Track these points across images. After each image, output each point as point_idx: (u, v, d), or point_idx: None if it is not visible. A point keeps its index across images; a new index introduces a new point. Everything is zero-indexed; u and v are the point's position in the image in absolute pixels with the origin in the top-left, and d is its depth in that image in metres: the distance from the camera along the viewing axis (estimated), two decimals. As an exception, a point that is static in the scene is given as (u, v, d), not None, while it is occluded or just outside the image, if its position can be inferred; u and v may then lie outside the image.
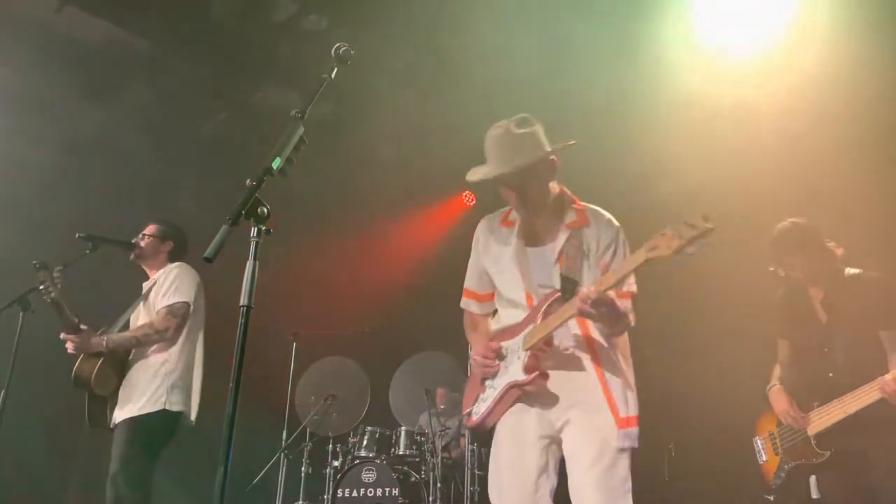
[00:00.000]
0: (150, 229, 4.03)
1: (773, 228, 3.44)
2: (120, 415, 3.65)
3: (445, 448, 5.64)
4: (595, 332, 2.51)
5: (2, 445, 3.51)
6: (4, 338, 3.69)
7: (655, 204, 5.74)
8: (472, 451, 5.44)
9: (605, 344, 2.51)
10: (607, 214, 2.60)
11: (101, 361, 3.64)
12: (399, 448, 5.60)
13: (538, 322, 2.44)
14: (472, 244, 2.77)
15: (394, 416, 6.28)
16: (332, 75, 2.18)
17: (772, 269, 3.48)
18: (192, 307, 3.82)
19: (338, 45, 2.19)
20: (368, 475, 5.28)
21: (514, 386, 2.46)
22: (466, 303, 2.82)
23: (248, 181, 1.85)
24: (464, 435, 5.85)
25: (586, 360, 2.49)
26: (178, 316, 3.76)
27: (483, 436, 5.64)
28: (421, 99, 5.83)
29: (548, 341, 2.43)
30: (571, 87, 5.33)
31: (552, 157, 2.55)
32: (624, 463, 2.41)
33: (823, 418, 3.26)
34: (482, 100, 5.49)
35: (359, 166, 6.60)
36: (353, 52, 2.19)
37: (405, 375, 6.35)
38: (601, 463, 2.37)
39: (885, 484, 3.07)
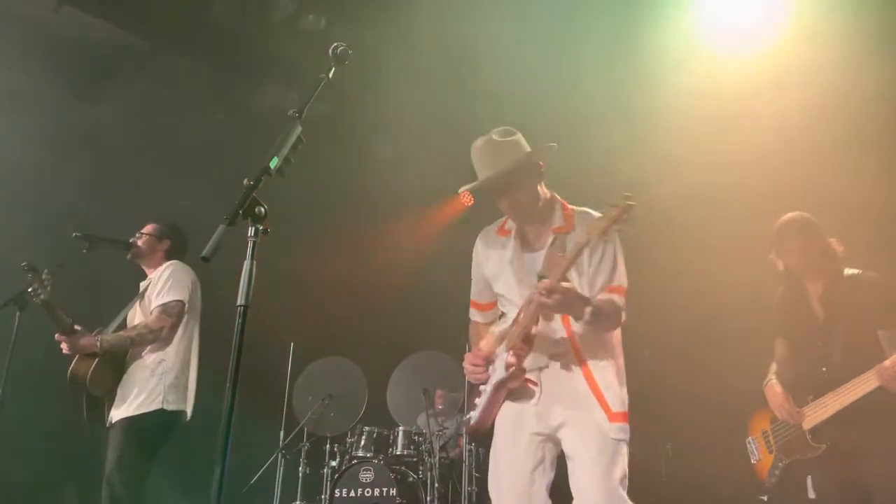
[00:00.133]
0: (148, 228, 4.03)
1: (772, 228, 3.47)
2: (116, 414, 3.65)
3: (443, 448, 5.63)
4: (581, 331, 2.55)
5: (-1, 445, 3.50)
6: (1, 338, 3.68)
7: (656, 205, 5.75)
8: (471, 451, 5.44)
9: (593, 341, 2.56)
10: (596, 215, 2.61)
11: (96, 362, 3.63)
12: (397, 448, 5.59)
13: (517, 322, 2.55)
14: (472, 256, 2.86)
15: (391, 416, 6.27)
16: (330, 75, 2.18)
17: (771, 256, 3.50)
18: (187, 305, 3.81)
19: (335, 44, 2.20)
20: (366, 475, 5.27)
21: (499, 385, 2.55)
22: (472, 313, 2.93)
23: (245, 181, 1.85)
24: (462, 435, 5.85)
25: (573, 358, 2.56)
26: (173, 315, 3.75)
27: (482, 436, 5.66)
28: (420, 99, 5.82)
29: (525, 339, 2.49)
30: (572, 88, 5.33)
31: (537, 161, 2.65)
32: (622, 459, 2.47)
33: (819, 412, 3.25)
34: (482, 100, 5.50)
35: (357, 166, 6.59)
36: (350, 51, 2.20)
37: (403, 375, 6.34)
38: (601, 461, 2.43)
39: (880, 478, 3.07)
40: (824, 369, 3.28)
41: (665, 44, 5.01)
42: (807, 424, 3.30)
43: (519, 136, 2.66)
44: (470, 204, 7.34)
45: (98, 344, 3.61)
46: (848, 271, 3.38)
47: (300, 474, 5.67)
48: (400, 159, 6.51)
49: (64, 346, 3.58)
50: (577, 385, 2.53)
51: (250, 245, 1.83)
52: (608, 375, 2.55)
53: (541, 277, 2.50)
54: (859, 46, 4.53)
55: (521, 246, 2.68)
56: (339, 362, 6.30)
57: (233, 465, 1.69)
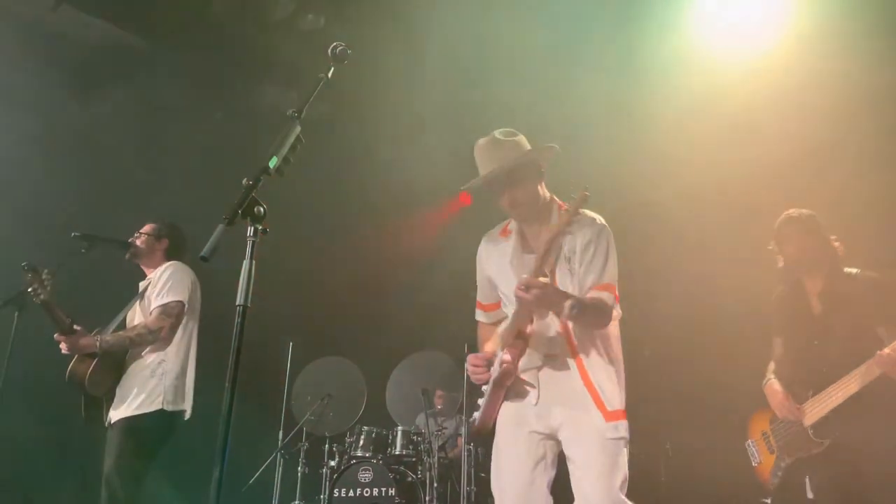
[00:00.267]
0: (147, 228, 4.02)
1: (775, 222, 3.50)
2: (115, 414, 3.64)
3: (442, 448, 5.63)
4: (575, 330, 2.59)
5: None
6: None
7: (657, 205, 5.76)
8: (469, 451, 5.43)
9: (589, 338, 2.59)
10: (592, 215, 2.68)
11: (95, 362, 3.63)
12: (396, 448, 5.59)
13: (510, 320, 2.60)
14: (476, 259, 2.91)
15: (390, 415, 6.27)
16: (329, 74, 2.18)
17: (771, 247, 3.52)
18: (186, 306, 3.81)
19: (334, 44, 2.20)
20: (365, 475, 5.27)
21: (495, 383, 2.59)
22: (477, 314, 2.97)
23: (244, 181, 1.85)
24: (461, 435, 5.85)
25: (568, 358, 2.59)
26: (173, 315, 3.75)
27: (484, 436, 5.66)
28: (419, 99, 5.82)
29: (518, 336, 2.53)
30: (571, 89, 5.33)
31: (539, 161, 2.69)
32: (622, 461, 2.49)
33: (820, 407, 3.24)
34: (481, 100, 5.50)
35: (356, 165, 6.59)
36: (349, 51, 2.20)
37: (402, 375, 6.34)
38: (601, 465, 2.46)
39: (884, 474, 3.07)
40: (824, 370, 3.28)
41: (664, 45, 5.02)
42: (808, 421, 3.28)
43: (521, 137, 2.71)
44: (468, 204, 7.35)
45: (97, 344, 3.60)
46: (847, 270, 3.40)
47: (299, 474, 5.67)
48: (399, 159, 6.51)
49: (63, 346, 3.57)
50: (573, 383, 2.56)
51: (249, 245, 1.83)
52: (605, 373, 2.57)
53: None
54: (857, 47, 4.54)
55: (521, 247, 2.72)
56: (338, 362, 6.30)
57: (232, 464, 1.68)
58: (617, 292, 2.64)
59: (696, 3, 5.02)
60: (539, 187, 2.71)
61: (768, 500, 3.53)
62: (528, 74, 5.35)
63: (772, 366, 3.60)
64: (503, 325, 2.77)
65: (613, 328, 2.69)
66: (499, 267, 2.76)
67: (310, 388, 6.03)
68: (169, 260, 3.98)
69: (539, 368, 2.61)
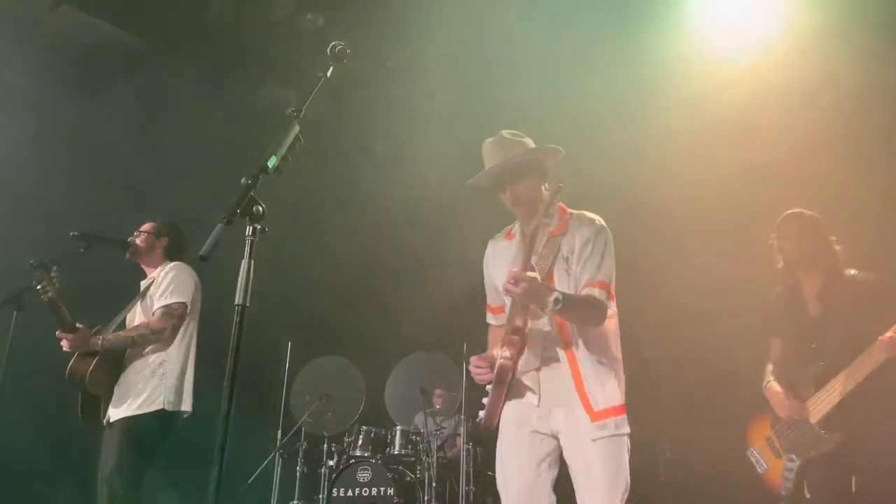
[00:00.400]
0: (146, 226, 4.02)
1: (772, 228, 3.52)
2: (116, 413, 3.64)
3: (441, 448, 5.63)
4: (570, 329, 2.62)
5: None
6: (-2, 337, 3.68)
7: (657, 206, 5.76)
8: (468, 450, 5.43)
9: (582, 339, 2.61)
10: (591, 216, 2.73)
11: (95, 360, 3.62)
12: (394, 448, 5.59)
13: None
14: (483, 263, 2.97)
15: (389, 415, 6.27)
16: (328, 74, 2.18)
17: (771, 241, 3.53)
18: (189, 308, 3.81)
19: (333, 43, 2.20)
20: (363, 475, 5.27)
21: (496, 380, 2.60)
22: (487, 316, 3.00)
23: (243, 180, 1.85)
24: (459, 434, 5.85)
25: (561, 356, 2.62)
26: (175, 316, 3.75)
27: (489, 436, 5.67)
28: (418, 98, 5.81)
29: (515, 331, 2.56)
30: (572, 89, 5.33)
31: (543, 160, 2.73)
32: (620, 460, 2.50)
33: (825, 401, 3.21)
34: (481, 100, 5.49)
35: (356, 164, 6.59)
36: (348, 50, 2.20)
37: (401, 375, 6.34)
38: (597, 472, 2.48)
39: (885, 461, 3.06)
40: (812, 365, 3.29)
41: (664, 46, 5.01)
42: (814, 417, 3.25)
43: (528, 139, 2.78)
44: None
45: (100, 343, 3.61)
46: (846, 271, 3.40)
47: (298, 474, 5.67)
48: (400, 158, 6.51)
49: (64, 344, 3.56)
50: (563, 381, 2.59)
51: (248, 244, 1.83)
52: (596, 371, 2.58)
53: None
54: (856, 47, 4.54)
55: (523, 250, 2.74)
56: (337, 362, 6.30)
57: (230, 464, 1.68)
58: (612, 290, 2.65)
59: (697, 4, 5.02)
60: (542, 187, 2.74)
61: None
62: (529, 75, 5.34)
63: (769, 367, 3.60)
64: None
65: (611, 326, 2.69)
66: (503, 270, 2.78)
67: (308, 387, 6.04)
68: (168, 258, 3.98)
69: (538, 370, 2.63)
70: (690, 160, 5.41)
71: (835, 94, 4.74)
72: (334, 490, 5.26)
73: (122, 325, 3.87)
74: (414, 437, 5.65)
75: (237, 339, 1.76)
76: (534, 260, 2.60)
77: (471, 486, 5.35)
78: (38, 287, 3.45)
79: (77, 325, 3.56)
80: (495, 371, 2.58)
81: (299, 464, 5.69)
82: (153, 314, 3.74)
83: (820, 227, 3.43)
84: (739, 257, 4.72)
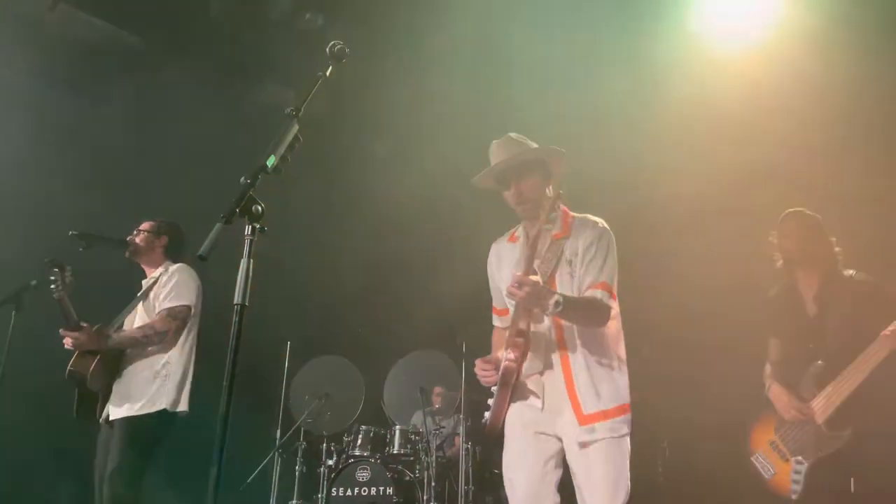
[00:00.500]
0: (145, 225, 4.02)
1: (772, 229, 3.52)
2: (117, 413, 3.64)
3: (440, 447, 5.63)
4: (566, 331, 2.64)
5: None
6: (-4, 336, 3.68)
7: (657, 207, 5.76)
8: (467, 449, 5.43)
9: (578, 341, 2.63)
10: (593, 219, 2.76)
11: (97, 359, 3.63)
12: (393, 447, 5.59)
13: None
14: (487, 266, 3.00)
15: (388, 415, 6.27)
16: (328, 73, 2.18)
17: (771, 239, 3.53)
18: (193, 310, 3.84)
19: (333, 42, 2.20)
20: (363, 474, 5.27)
21: (501, 381, 2.62)
22: (493, 318, 3.03)
23: (242, 179, 1.85)
24: (458, 434, 5.85)
25: (556, 359, 2.64)
26: (179, 319, 3.77)
27: (479, 435, 5.68)
28: (418, 98, 5.81)
29: (519, 333, 2.59)
30: (569, 87, 5.33)
31: (549, 160, 2.77)
32: (619, 460, 2.53)
33: (829, 402, 3.19)
34: (482, 100, 5.49)
35: (355, 163, 6.59)
36: (348, 49, 2.20)
37: (400, 374, 6.33)
38: (595, 478, 2.52)
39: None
40: (813, 366, 3.29)
41: (663, 47, 5.03)
42: (820, 418, 3.22)
43: (534, 144, 2.83)
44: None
45: (104, 342, 3.61)
46: (844, 272, 3.41)
47: (297, 473, 5.66)
48: (399, 158, 6.51)
49: (67, 342, 3.56)
50: (556, 384, 2.62)
51: (247, 244, 1.83)
52: (592, 372, 2.60)
53: None
54: (854, 47, 4.54)
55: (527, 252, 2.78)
56: (336, 361, 6.29)
57: (229, 463, 1.68)
58: (615, 291, 2.67)
59: (696, 8, 5.02)
60: (547, 189, 2.78)
61: None
62: (530, 75, 5.35)
63: (768, 368, 3.59)
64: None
65: (613, 326, 2.71)
66: (507, 272, 2.82)
67: (308, 387, 6.03)
68: (168, 257, 3.99)
69: (541, 373, 2.65)
70: (691, 160, 5.41)
71: (836, 93, 4.73)
72: (333, 489, 5.26)
73: (123, 325, 3.88)
74: (413, 436, 5.65)
75: (236, 339, 1.75)
76: (537, 263, 2.62)
77: (470, 486, 5.35)
78: (52, 286, 3.46)
79: (81, 323, 3.57)
80: (500, 373, 2.60)
81: (298, 463, 5.68)
82: (156, 315, 3.76)
83: (820, 227, 3.44)
84: (739, 257, 4.72)
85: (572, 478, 2.61)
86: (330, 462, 5.61)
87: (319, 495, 5.42)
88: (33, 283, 3.60)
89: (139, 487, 3.55)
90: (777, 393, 3.43)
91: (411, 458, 5.50)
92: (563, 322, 2.63)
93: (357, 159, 6.57)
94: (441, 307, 6.58)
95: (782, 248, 3.49)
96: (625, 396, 2.63)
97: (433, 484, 5.26)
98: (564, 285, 2.64)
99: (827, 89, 4.75)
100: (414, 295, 6.96)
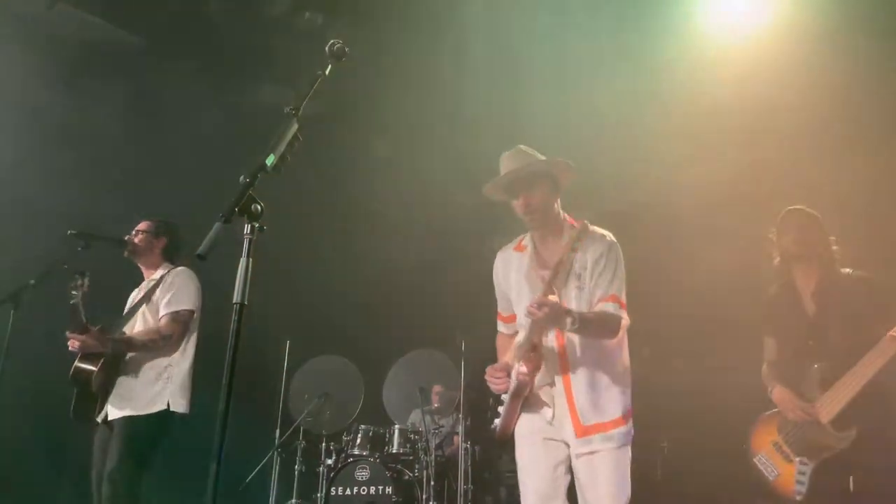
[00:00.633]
0: (144, 225, 4.02)
1: (770, 227, 3.53)
2: (117, 413, 3.65)
3: (439, 446, 5.63)
4: (569, 344, 2.73)
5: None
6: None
7: (658, 208, 5.76)
8: (466, 449, 5.43)
9: (580, 353, 2.72)
10: (601, 232, 2.83)
11: (102, 361, 3.64)
12: (393, 446, 5.59)
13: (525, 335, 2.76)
14: (493, 274, 3.07)
15: (387, 414, 6.26)
16: (327, 72, 2.17)
17: (770, 236, 3.54)
18: (195, 314, 3.87)
19: (332, 41, 2.20)
20: (362, 473, 5.27)
21: (513, 394, 2.72)
22: (498, 324, 3.12)
23: (241, 178, 1.84)
24: (457, 433, 5.85)
25: (558, 370, 2.73)
26: (182, 322, 3.80)
27: (478, 434, 5.68)
28: (417, 98, 5.81)
29: (533, 349, 2.67)
30: (569, 86, 5.33)
31: (556, 177, 2.84)
32: (621, 470, 2.63)
33: (835, 401, 3.17)
34: (479, 96, 5.48)
35: (355, 163, 6.59)
36: (347, 48, 2.19)
37: (399, 373, 6.32)
38: (595, 489, 2.61)
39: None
40: (816, 366, 3.28)
41: (665, 46, 5.02)
42: (826, 417, 3.19)
43: (543, 156, 2.88)
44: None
45: (110, 345, 3.63)
46: (841, 270, 3.41)
47: (296, 473, 5.66)
48: (399, 157, 6.50)
49: (75, 344, 3.57)
50: (557, 396, 2.72)
51: (246, 243, 1.83)
52: (592, 385, 2.70)
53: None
54: (853, 46, 4.54)
55: (536, 262, 2.86)
56: (336, 360, 6.28)
57: (228, 462, 1.68)
58: (624, 302, 2.75)
59: (697, 7, 5.02)
60: (555, 202, 2.86)
61: None
62: (532, 75, 5.34)
63: (765, 368, 3.59)
64: (518, 338, 2.89)
65: (615, 338, 2.78)
66: (516, 281, 2.90)
67: (307, 386, 6.02)
68: (166, 259, 4.01)
69: (551, 385, 2.75)
70: (692, 160, 5.41)
71: (838, 93, 4.74)
72: (333, 489, 5.26)
73: (122, 327, 3.88)
74: (412, 435, 5.65)
75: (235, 338, 1.75)
76: (547, 275, 2.69)
77: (469, 485, 5.35)
78: (74, 291, 3.52)
79: (89, 326, 3.58)
80: (514, 386, 2.68)
81: (297, 462, 5.68)
82: (160, 319, 3.78)
83: (820, 224, 3.45)
84: (741, 255, 4.72)
85: (576, 485, 2.68)
86: (329, 461, 5.60)
87: (318, 494, 5.42)
88: (31, 282, 3.60)
89: (139, 486, 3.57)
90: (781, 393, 3.41)
91: (410, 458, 5.50)
92: (566, 334, 2.70)
93: (358, 159, 6.57)
94: (440, 306, 6.58)
95: (781, 244, 3.49)
96: (626, 406, 2.72)
97: (432, 483, 5.26)
98: (572, 298, 2.72)
99: (827, 89, 4.75)
100: (413, 294, 6.96)
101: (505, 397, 2.79)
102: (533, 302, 2.53)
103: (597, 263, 2.72)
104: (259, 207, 1.83)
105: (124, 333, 3.80)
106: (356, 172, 6.63)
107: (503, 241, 3.09)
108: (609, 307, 2.69)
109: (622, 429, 2.66)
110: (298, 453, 5.71)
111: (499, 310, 3.08)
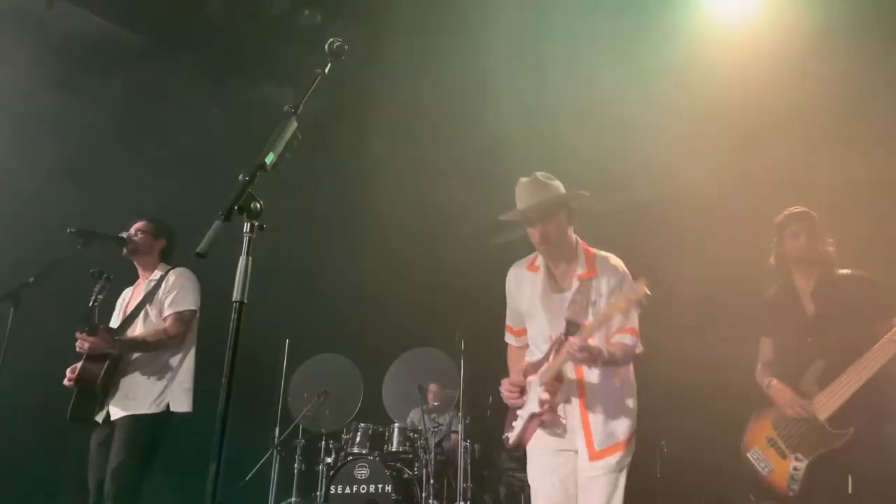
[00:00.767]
0: (142, 225, 4.01)
1: (769, 227, 3.55)
2: (122, 412, 3.66)
3: (439, 445, 5.64)
4: (585, 369, 2.87)
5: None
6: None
7: (657, 207, 5.75)
8: (465, 447, 5.44)
9: (596, 379, 2.87)
10: (614, 261, 2.97)
11: (108, 362, 3.65)
12: (392, 444, 5.60)
13: (549, 362, 2.88)
14: (506, 287, 3.19)
15: (387, 412, 6.27)
16: (326, 70, 2.17)
17: (773, 237, 3.57)
18: (197, 313, 3.90)
19: (331, 40, 2.20)
20: (361, 472, 5.27)
21: (533, 416, 2.90)
22: (507, 336, 3.26)
23: (240, 176, 1.84)
24: (456, 431, 5.86)
25: (575, 391, 2.87)
26: (186, 322, 3.83)
27: (476, 433, 5.69)
28: (417, 98, 5.80)
29: (558, 377, 2.83)
30: (568, 85, 5.32)
31: (572, 204, 2.97)
32: (619, 489, 2.79)
33: (834, 399, 3.18)
34: (479, 95, 5.48)
35: (354, 162, 6.58)
36: (346, 47, 2.19)
37: (398, 372, 6.34)
38: (597, 497, 2.77)
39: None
40: (815, 363, 3.29)
41: (662, 45, 5.01)
42: (823, 414, 3.20)
43: (558, 182, 2.99)
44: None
45: (117, 346, 3.65)
46: (838, 270, 3.43)
47: (295, 471, 5.66)
48: (398, 157, 6.50)
49: (83, 345, 3.57)
50: (573, 421, 2.87)
51: (246, 241, 1.83)
52: (605, 406, 2.84)
53: (569, 323, 2.84)
54: (852, 46, 4.54)
55: (550, 286, 2.98)
56: (335, 359, 6.29)
57: (228, 461, 1.68)
58: (638, 332, 2.92)
59: (696, 8, 5.02)
60: (569, 230, 2.97)
61: None
62: (532, 75, 5.33)
63: (759, 368, 3.60)
64: (529, 356, 3.04)
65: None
66: (530, 302, 3.03)
67: (306, 385, 6.03)
68: (162, 260, 4.04)
69: (567, 402, 2.89)
70: (691, 160, 5.41)
71: (839, 93, 4.74)
72: (332, 487, 5.26)
73: (123, 326, 3.89)
74: (412, 433, 5.66)
75: (235, 337, 1.75)
76: (567, 299, 2.87)
77: (468, 483, 5.35)
78: (100, 296, 3.60)
79: (99, 328, 3.62)
80: (538, 411, 2.84)
81: (297, 461, 5.69)
82: (164, 320, 3.80)
83: (818, 226, 3.47)
84: (739, 255, 4.72)
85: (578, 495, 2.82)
86: (328, 459, 5.61)
87: (318, 493, 5.43)
88: (31, 279, 3.60)
89: (140, 484, 3.59)
90: (778, 388, 3.42)
91: (410, 456, 5.51)
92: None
93: (357, 157, 6.56)
94: (439, 304, 6.58)
95: (788, 247, 3.48)
96: (633, 423, 2.89)
97: (432, 481, 5.27)
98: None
99: (827, 88, 4.75)
100: (413, 293, 6.96)
101: (520, 412, 2.95)
102: (577, 345, 2.65)
103: (612, 294, 2.84)
104: (259, 205, 1.83)
105: (126, 334, 3.81)
106: (356, 171, 6.63)
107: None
108: (627, 339, 2.86)
109: (626, 451, 2.83)
110: (298, 451, 5.72)
111: (508, 322, 3.20)
